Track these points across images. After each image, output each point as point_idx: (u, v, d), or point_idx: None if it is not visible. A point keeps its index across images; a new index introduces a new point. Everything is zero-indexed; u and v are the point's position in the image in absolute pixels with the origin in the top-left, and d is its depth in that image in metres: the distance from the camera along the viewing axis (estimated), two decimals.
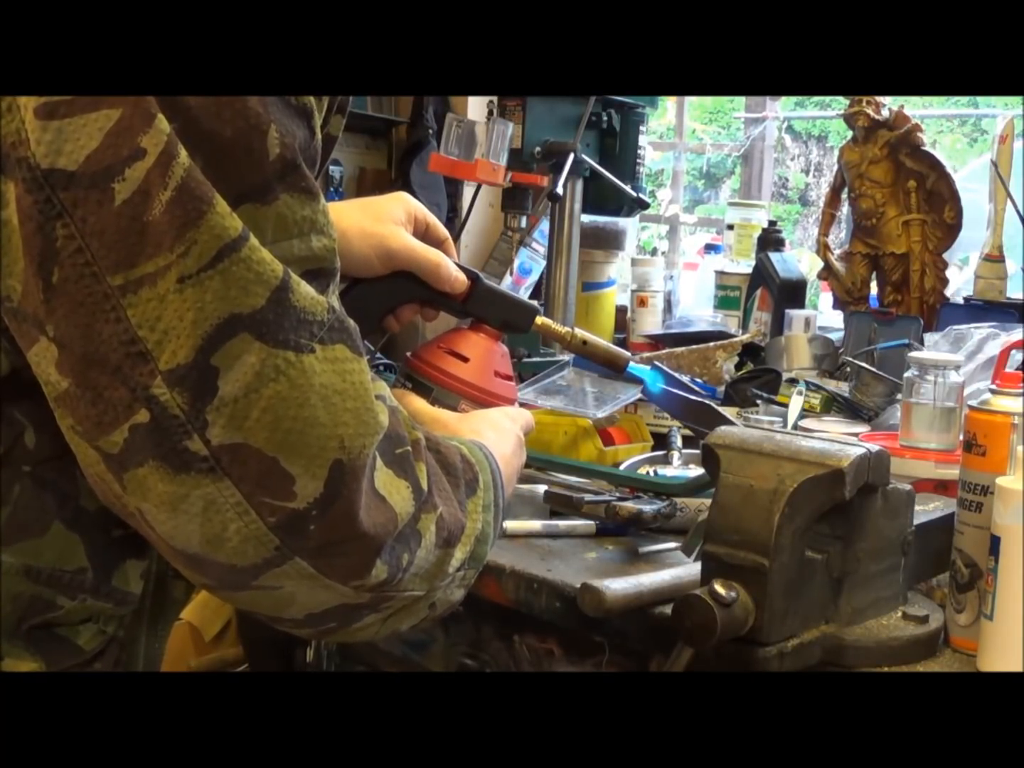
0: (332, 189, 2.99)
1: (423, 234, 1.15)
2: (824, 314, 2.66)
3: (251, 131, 0.75)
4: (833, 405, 1.86)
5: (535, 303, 1.23)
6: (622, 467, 1.61)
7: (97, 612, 0.86)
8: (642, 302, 2.62)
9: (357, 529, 0.77)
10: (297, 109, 0.80)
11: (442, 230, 1.17)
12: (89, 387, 0.73)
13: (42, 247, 0.72)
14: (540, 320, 1.20)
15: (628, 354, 1.28)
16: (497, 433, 1.05)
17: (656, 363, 1.87)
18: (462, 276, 1.14)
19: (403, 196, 1.16)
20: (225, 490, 0.74)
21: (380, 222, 1.11)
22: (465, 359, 1.14)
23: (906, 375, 1.50)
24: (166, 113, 0.73)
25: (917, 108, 2.79)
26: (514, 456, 1.05)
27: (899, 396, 1.62)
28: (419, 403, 1.10)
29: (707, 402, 1.38)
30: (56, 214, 0.71)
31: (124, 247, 0.71)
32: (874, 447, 1.08)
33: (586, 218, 2.39)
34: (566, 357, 1.90)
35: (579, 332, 1.25)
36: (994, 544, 1.06)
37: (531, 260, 2.67)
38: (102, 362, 0.72)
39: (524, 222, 2.20)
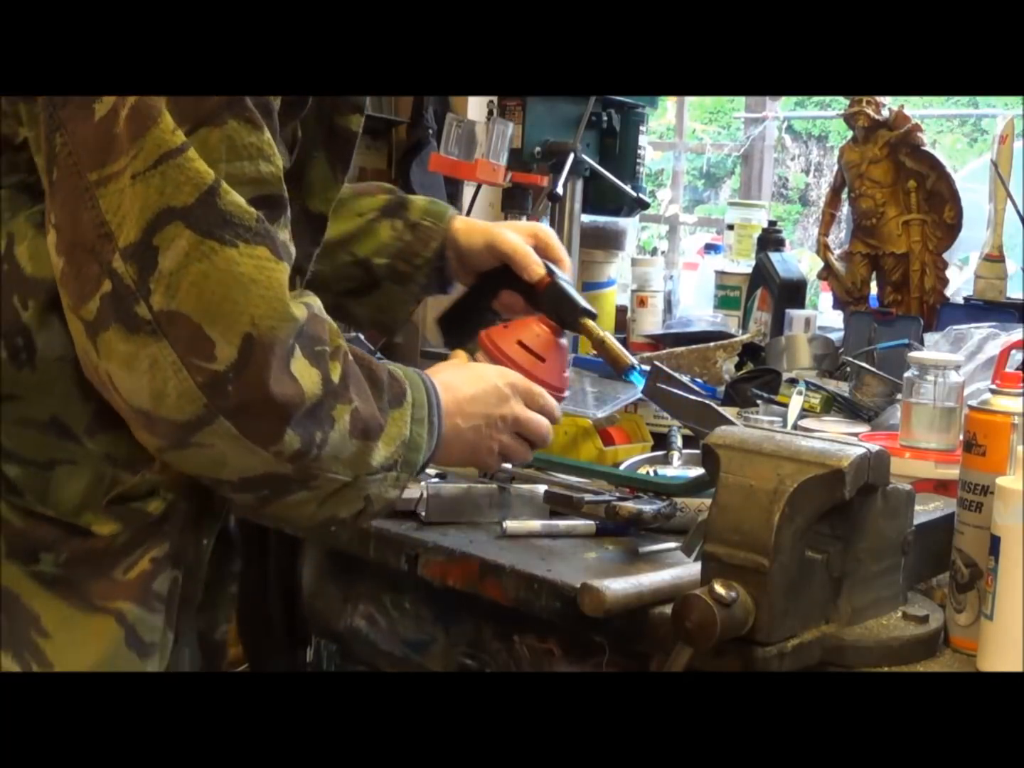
0: None
1: (542, 249, 1.34)
2: (824, 314, 2.65)
3: None
4: (833, 405, 1.85)
5: (585, 306, 1.32)
6: (622, 467, 1.61)
7: (157, 484, 1.02)
8: (642, 302, 2.61)
9: (266, 393, 0.93)
10: None
11: (559, 252, 1.35)
12: (74, 264, 0.92)
13: (48, 152, 0.94)
14: (585, 321, 1.31)
15: (633, 360, 1.31)
16: (464, 373, 1.19)
17: (656, 363, 1.87)
18: (540, 269, 1.31)
19: (538, 223, 1.46)
20: (164, 350, 0.91)
21: (500, 227, 1.36)
22: (530, 351, 1.26)
23: (906, 375, 1.50)
24: None
25: (917, 108, 2.79)
26: (476, 400, 1.17)
27: (899, 396, 1.62)
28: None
29: (707, 402, 1.38)
30: (56, 127, 0.93)
31: (99, 152, 0.91)
32: (874, 447, 1.08)
33: (586, 218, 2.39)
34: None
35: (603, 332, 1.33)
36: (994, 544, 1.06)
37: None
38: (83, 243, 0.92)
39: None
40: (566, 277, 1.34)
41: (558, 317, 1.30)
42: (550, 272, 1.31)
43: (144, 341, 0.91)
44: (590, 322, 1.32)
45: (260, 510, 1.07)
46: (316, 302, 1.02)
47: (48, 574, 0.98)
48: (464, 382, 1.18)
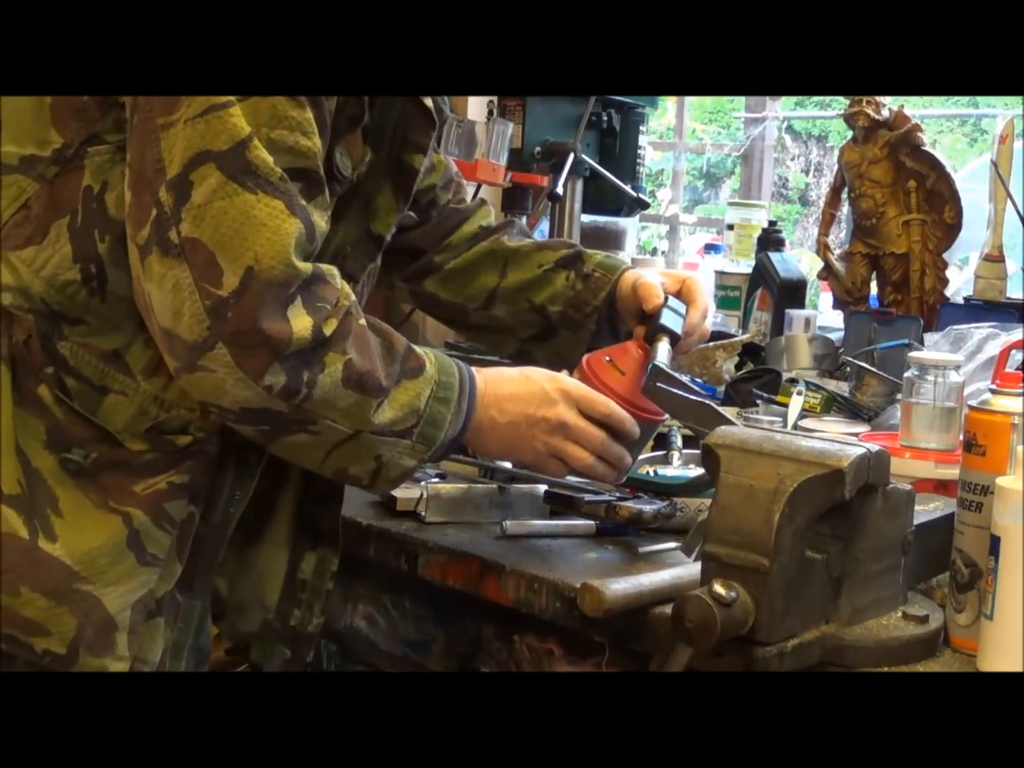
0: None
1: (684, 293, 1.44)
2: (824, 314, 2.65)
3: None
4: (833, 405, 1.85)
5: (665, 325, 1.37)
6: None
7: (189, 421, 1.15)
8: None
9: (257, 324, 1.03)
10: None
11: (697, 296, 1.44)
12: (137, 195, 1.06)
13: (131, 103, 1.08)
14: (658, 337, 1.36)
15: (661, 364, 1.33)
16: (513, 374, 1.26)
17: (656, 363, 1.87)
18: (656, 300, 1.39)
19: (693, 273, 1.59)
20: (184, 272, 1.03)
21: (650, 271, 1.47)
22: (614, 366, 1.33)
23: (906, 375, 1.50)
24: None
25: (917, 108, 2.79)
26: (517, 398, 1.24)
27: (899, 396, 1.62)
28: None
29: (707, 402, 1.38)
30: None
31: (167, 102, 1.05)
32: (874, 447, 1.08)
33: (586, 218, 2.39)
34: None
35: (661, 349, 1.37)
36: (994, 544, 1.06)
37: None
38: (145, 177, 1.06)
39: (524, 222, 2.20)
40: (679, 309, 1.40)
41: (647, 338, 1.36)
42: (665, 302, 1.39)
43: (171, 263, 1.04)
44: (662, 338, 1.36)
45: (267, 446, 1.14)
46: (334, 271, 1.12)
47: (75, 464, 1.10)
48: (509, 381, 1.25)
